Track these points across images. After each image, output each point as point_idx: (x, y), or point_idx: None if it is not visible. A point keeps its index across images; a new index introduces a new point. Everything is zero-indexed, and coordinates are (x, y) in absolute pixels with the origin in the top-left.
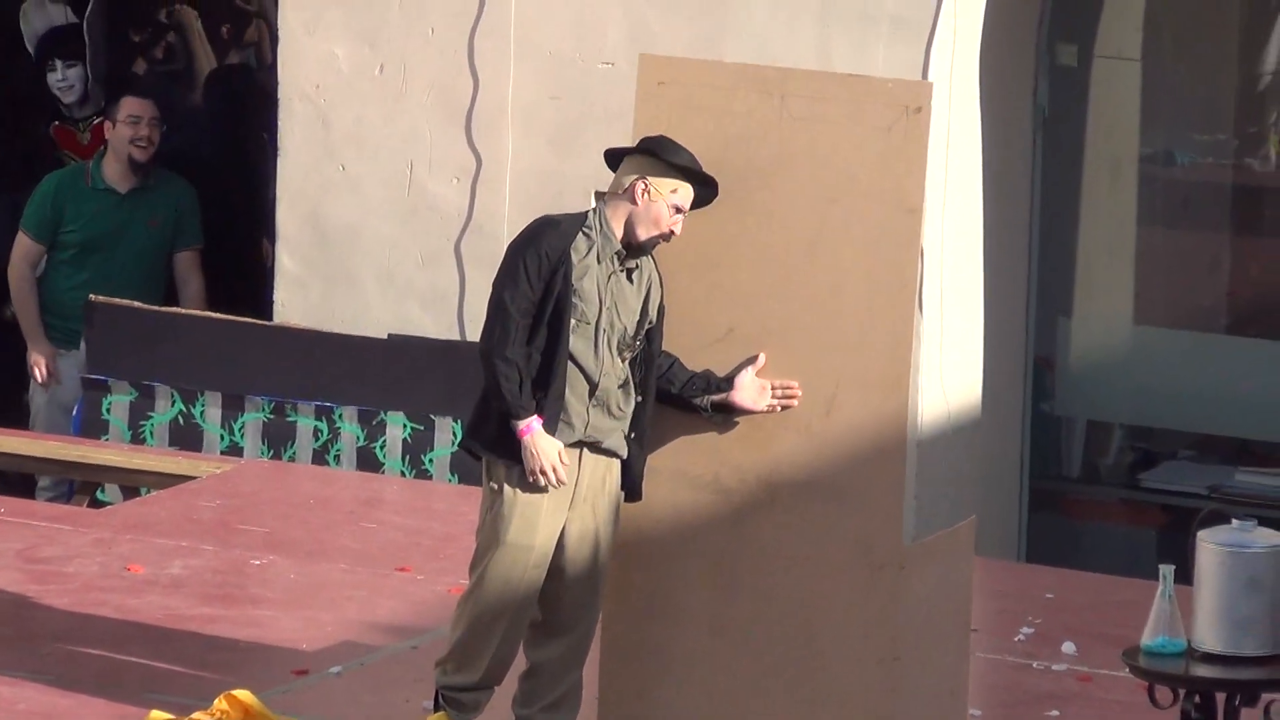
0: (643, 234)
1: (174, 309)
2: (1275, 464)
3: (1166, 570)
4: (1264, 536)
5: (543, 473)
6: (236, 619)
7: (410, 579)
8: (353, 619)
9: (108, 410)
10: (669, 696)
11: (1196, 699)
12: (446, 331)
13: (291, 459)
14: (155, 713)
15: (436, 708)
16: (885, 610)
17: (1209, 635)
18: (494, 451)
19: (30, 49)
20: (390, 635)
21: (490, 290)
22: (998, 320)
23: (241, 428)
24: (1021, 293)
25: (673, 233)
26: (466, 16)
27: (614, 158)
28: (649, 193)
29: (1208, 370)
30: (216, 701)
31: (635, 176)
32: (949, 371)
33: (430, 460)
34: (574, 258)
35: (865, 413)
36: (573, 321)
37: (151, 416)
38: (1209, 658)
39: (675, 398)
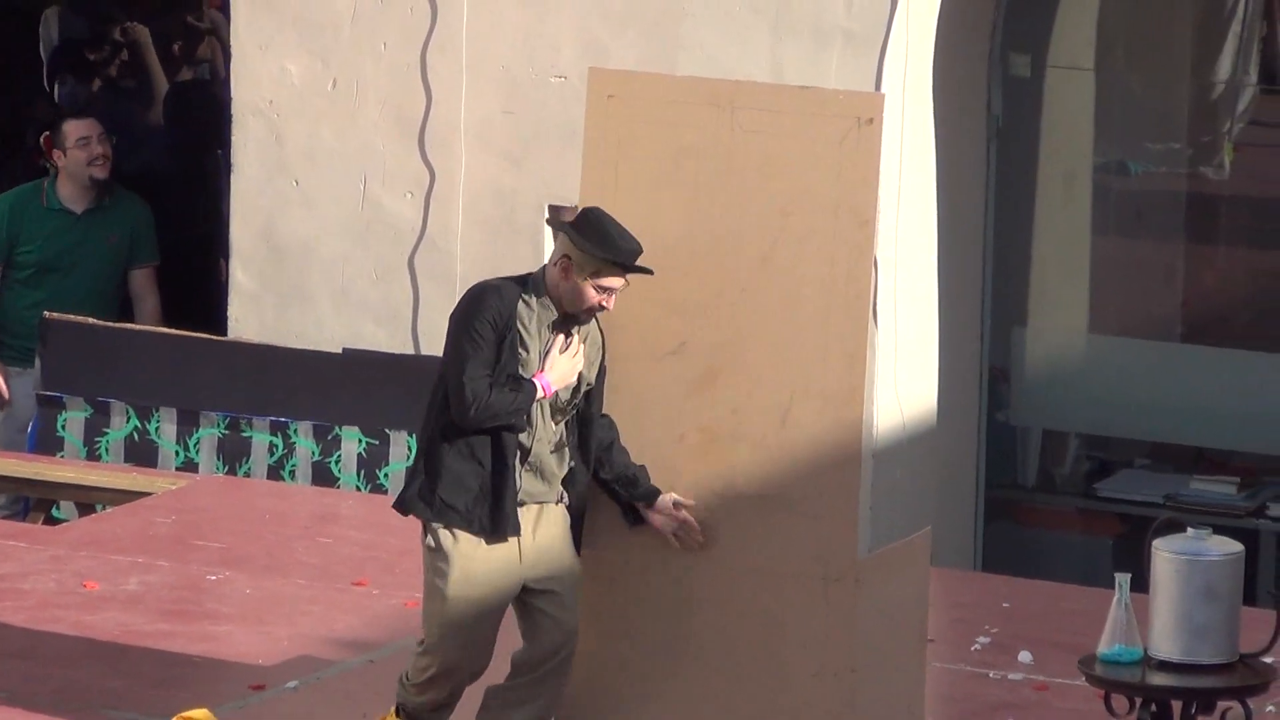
0: (570, 308)
1: (128, 325)
2: (1231, 472)
3: (1122, 579)
4: (1219, 545)
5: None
6: (193, 634)
7: (366, 593)
8: (309, 634)
9: (63, 427)
10: (629, 711)
11: (1153, 707)
12: (401, 346)
13: (247, 474)
14: None
15: (398, 714)
16: (841, 622)
17: (1165, 643)
18: (426, 514)
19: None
20: (347, 650)
21: (446, 365)
22: (952, 330)
23: (197, 444)
24: (976, 303)
25: (604, 307)
26: (419, 32)
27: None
28: (570, 272)
29: (1163, 379)
30: None
31: (563, 253)
32: (904, 382)
33: (385, 475)
34: (518, 324)
35: (820, 424)
36: None
37: (107, 433)
38: (1165, 666)
39: (603, 482)
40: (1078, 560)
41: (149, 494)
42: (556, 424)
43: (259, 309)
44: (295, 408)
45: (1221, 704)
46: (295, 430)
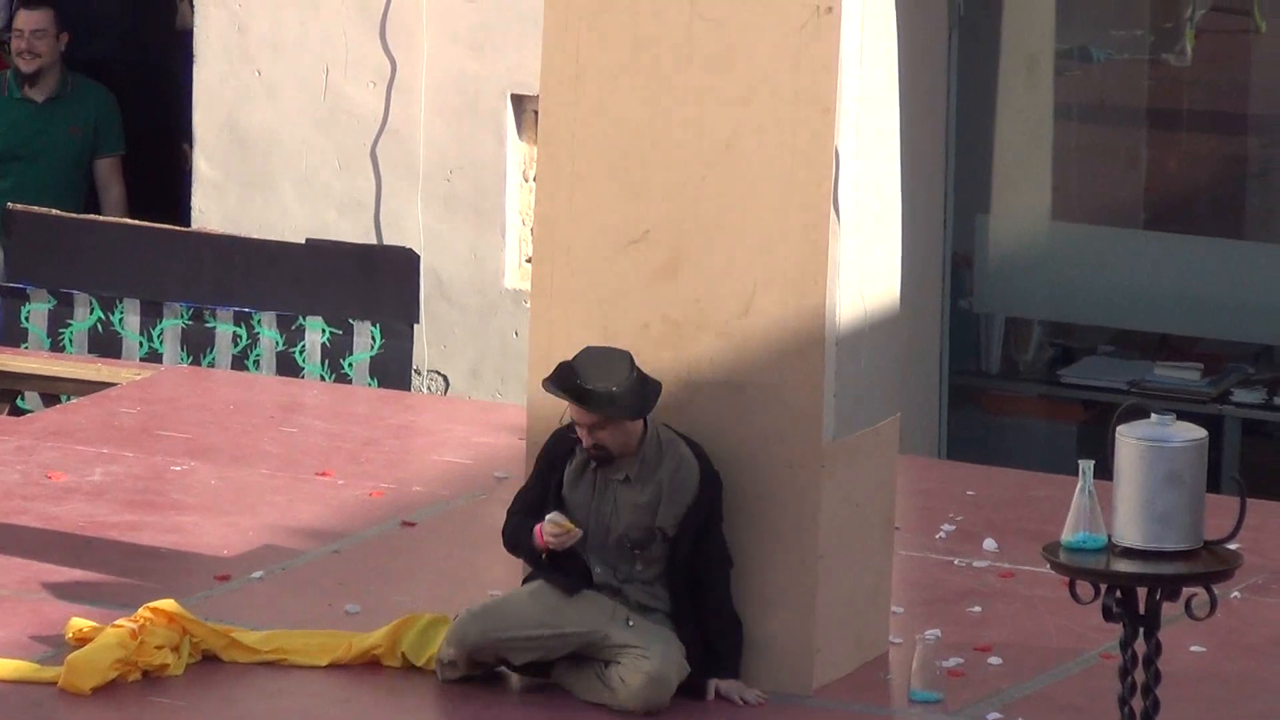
0: None
1: (91, 216)
2: (1194, 358)
3: (1086, 465)
4: (1183, 430)
5: (554, 533)
6: (158, 525)
7: (331, 483)
8: (274, 524)
9: (26, 318)
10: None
11: (1118, 594)
12: (364, 235)
13: (211, 365)
14: (76, 620)
15: None
16: (807, 509)
17: (1129, 530)
18: None
19: None
20: (312, 540)
21: None
22: (915, 218)
23: (160, 334)
24: (939, 190)
25: (584, 446)
26: None
27: None
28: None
29: (1126, 265)
30: (140, 610)
31: None
32: (866, 270)
33: (349, 364)
34: (566, 467)
35: (783, 312)
36: None
37: (70, 324)
38: (1130, 553)
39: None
40: (1042, 447)
41: (113, 384)
42: (632, 563)
43: (222, 199)
44: (259, 298)
45: (1186, 590)
46: (259, 320)
